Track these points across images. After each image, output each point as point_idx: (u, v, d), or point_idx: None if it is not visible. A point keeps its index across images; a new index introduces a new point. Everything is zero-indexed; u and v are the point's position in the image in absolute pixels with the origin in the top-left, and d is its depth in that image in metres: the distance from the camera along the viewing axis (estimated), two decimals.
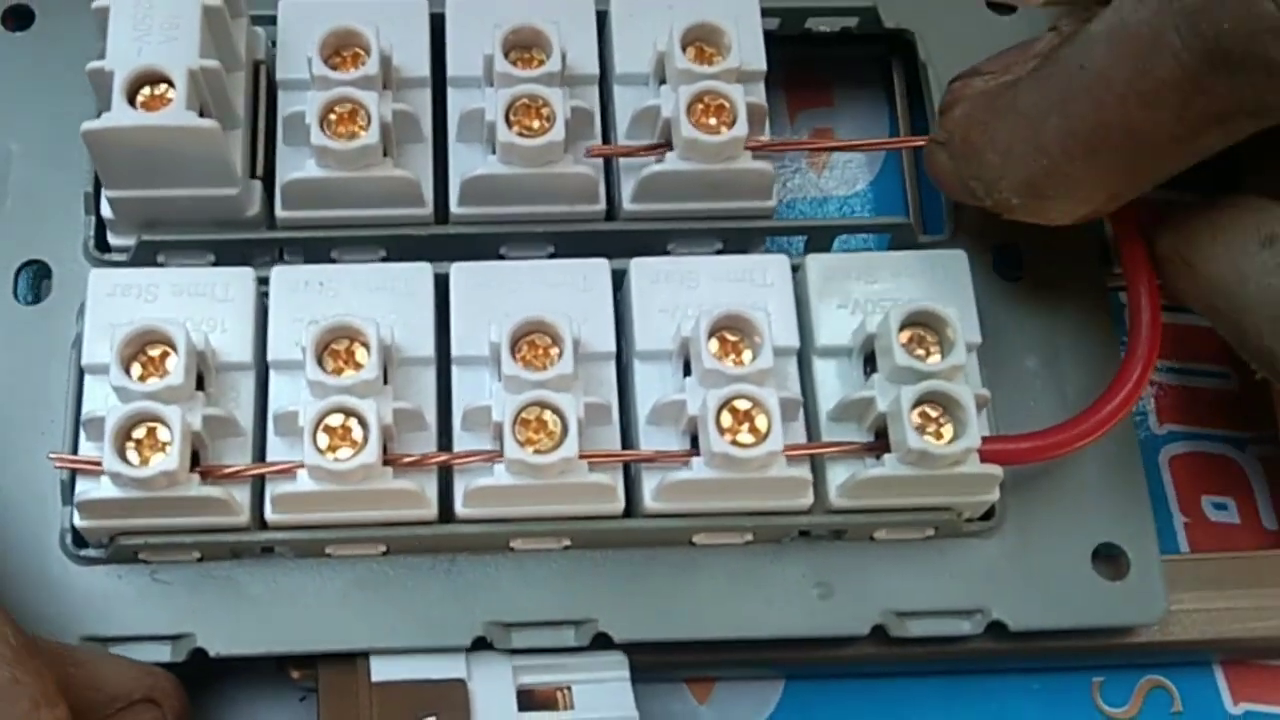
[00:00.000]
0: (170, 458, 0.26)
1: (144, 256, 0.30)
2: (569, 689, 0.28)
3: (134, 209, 0.29)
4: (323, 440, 0.26)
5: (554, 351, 0.27)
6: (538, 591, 0.29)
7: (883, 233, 0.32)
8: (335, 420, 0.26)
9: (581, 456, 0.27)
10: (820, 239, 0.32)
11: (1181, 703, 0.31)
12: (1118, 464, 0.31)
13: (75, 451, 0.28)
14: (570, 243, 0.31)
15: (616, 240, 0.31)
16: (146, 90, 0.27)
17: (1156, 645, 0.30)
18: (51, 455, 0.27)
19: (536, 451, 0.26)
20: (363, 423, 0.26)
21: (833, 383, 0.29)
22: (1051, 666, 0.31)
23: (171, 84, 0.27)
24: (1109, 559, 0.30)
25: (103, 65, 0.27)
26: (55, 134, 0.31)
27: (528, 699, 0.28)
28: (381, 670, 0.28)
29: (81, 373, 0.28)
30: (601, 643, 0.29)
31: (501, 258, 0.31)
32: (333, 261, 0.30)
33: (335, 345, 0.27)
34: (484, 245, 0.30)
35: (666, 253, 0.31)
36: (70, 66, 0.32)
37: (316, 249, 0.30)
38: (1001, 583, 0.30)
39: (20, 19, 0.32)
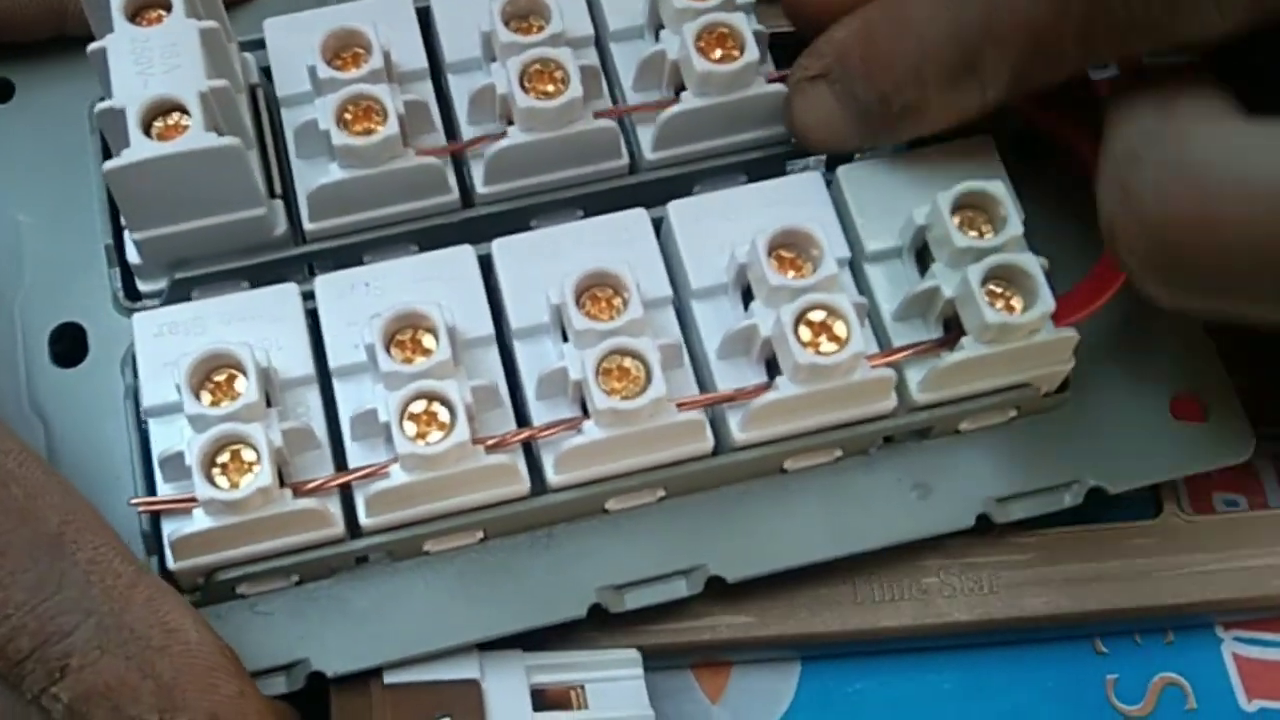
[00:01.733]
0: (262, 474, 0.25)
1: (178, 295, 0.29)
2: (583, 688, 0.28)
3: (162, 248, 0.28)
4: (410, 429, 0.26)
5: (617, 301, 0.27)
6: (641, 548, 0.29)
7: None
8: (418, 407, 0.26)
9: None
10: (839, 155, 0.32)
11: (1195, 699, 0.31)
12: (1177, 322, 0.31)
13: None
14: (597, 202, 0.30)
15: (643, 191, 0.30)
16: (160, 122, 0.26)
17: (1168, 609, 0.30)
18: (134, 501, 0.27)
19: (624, 399, 0.26)
20: (447, 404, 0.26)
21: (888, 286, 0.29)
22: (1066, 660, 0.31)
23: (184, 111, 0.26)
24: (1187, 407, 0.30)
25: (112, 104, 0.26)
26: (59, 198, 0.31)
27: (541, 699, 0.28)
28: (394, 672, 0.27)
29: (141, 420, 0.28)
30: (716, 586, 0.28)
31: (531, 229, 0.30)
32: (364, 264, 0.30)
33: (400, 336, 0.27)
34: (514, 221, 0.30)
35: (693, 195, 0.31)
36: (60, 130, 0.31)
37: (348, 256, 0.30)
38: (1090, 450, 0.30)
39: (1, 93, 0.32)
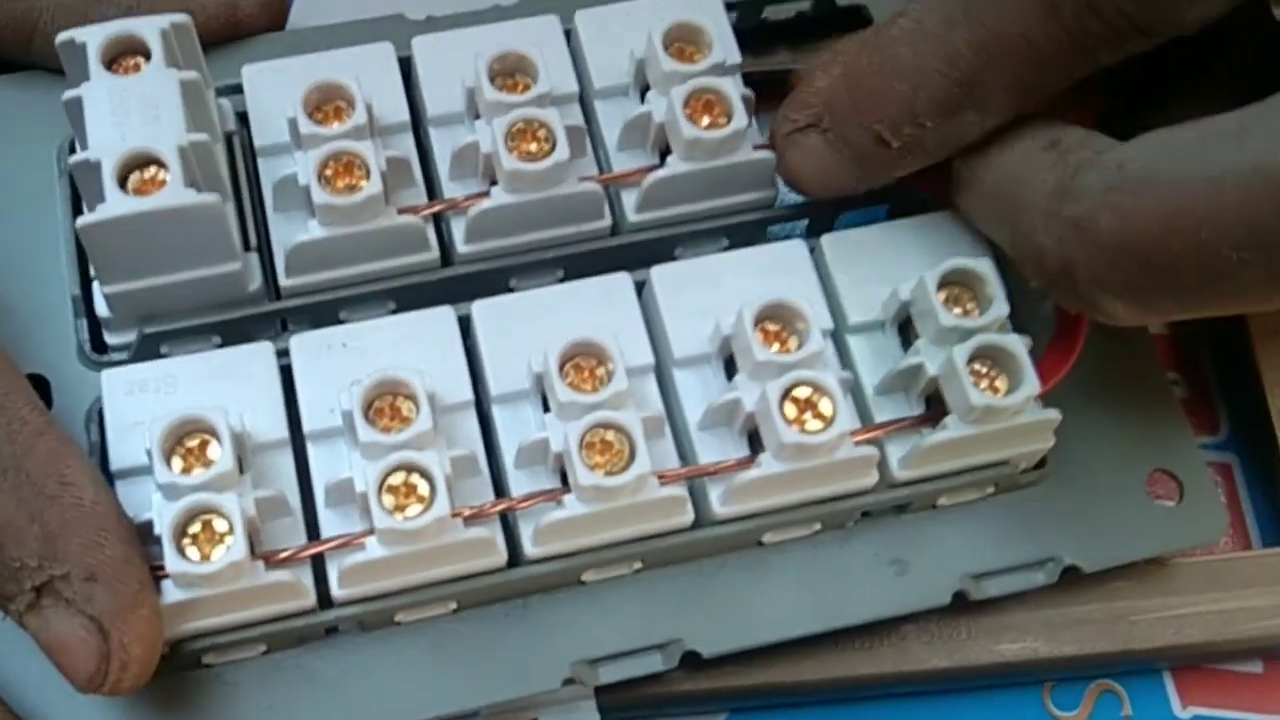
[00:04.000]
0: (236, 547, 0.24)
1: (147, 350, 0.28)
2: None
3: (134, 302, 0.27)
4: (388, 501, 0.25)
5: (600, 371, 0.27)
6: (616, 620, 0.28)
7: (882, 204, 0.32)
8: (397, 479, 0.25)
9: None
10: (822, 220, 0.32)
11: (1131, 706, 0.31)
12: (1145, 388, 0.31)
13: None
14: (578, 263, 0.30)
15: (624, 254, 0.30)
16: (136, 175, 0.26)
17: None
18: None
19: (608, 474, 0.26)
20: (426, 476, 0.25)
21: (870, 358, 0.29)
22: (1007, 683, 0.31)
23: (161, 165, 0.26)
24: (1162, 485, 0.30)
25: (87, 157, 0.26)
26: (22, 243, 0.30)
27: None
28: None
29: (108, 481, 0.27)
30: (691, 661, 0.28)
31: (510, 289, 0.30)
32: (341, 322, 0.29)
33: (379, 403, 0.26)
34: (493, 280, 0.30)
35: (674, 258, 0.30)
36: (24, 173, 0.30)
37: (324, 312, 0.29)
38: (1066, 528, 0.30)
39: None
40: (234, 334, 0.29)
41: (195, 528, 0.25)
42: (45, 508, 0.24)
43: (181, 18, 0.27)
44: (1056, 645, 0.30)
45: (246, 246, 0.29)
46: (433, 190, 0.30)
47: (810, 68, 0.29)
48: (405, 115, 0.30)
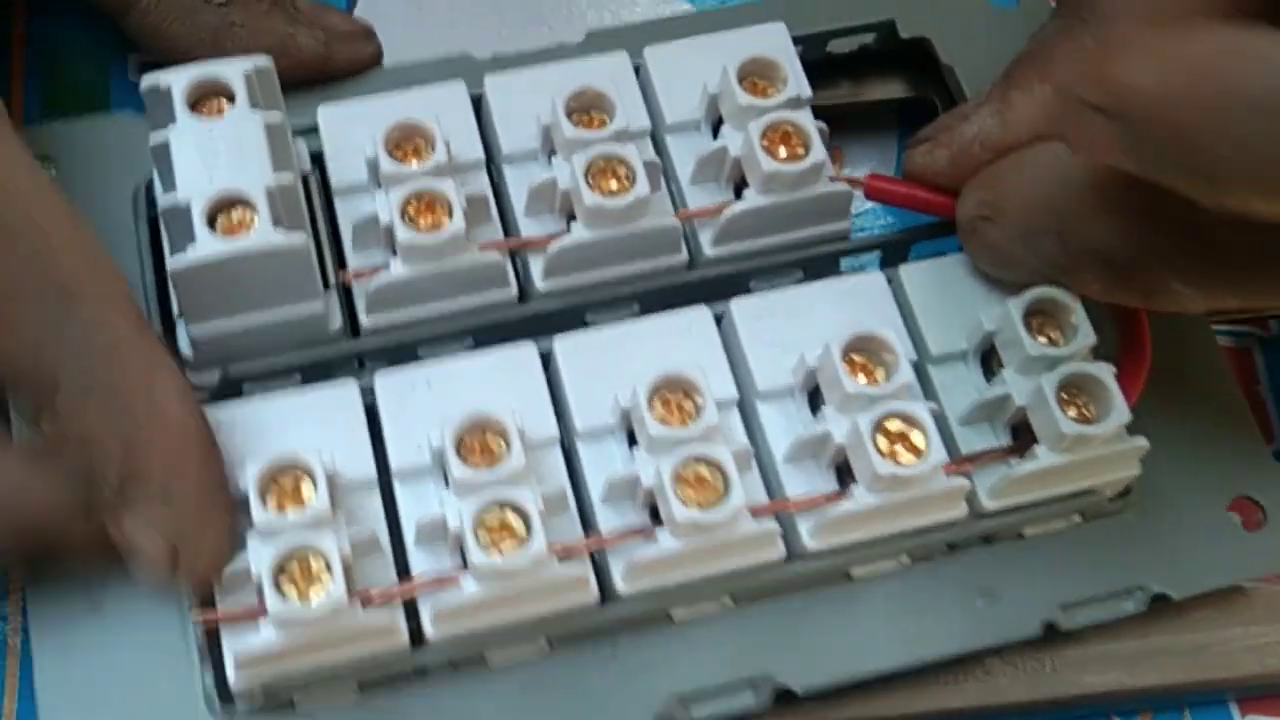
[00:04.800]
0: (336, 589, 0.24)
1: (228, 390, 0.28)
2: None
3: (217, 342, 0.27)
4: (484, 539, 0.25)
5: (688, 405, 0.27)
6: (707, 657, 0.28)
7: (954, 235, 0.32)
8: (492, 516, 0.25)
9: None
10: (896, 252, 0.32)
11: (1191, 716, 0.31)
12: (1223, 410, 0.31)
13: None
14: (654, 298, 0.30)
15: (700, 288, 0.30)
16: (224, 217, 0.26)
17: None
18: (198, 618, 0.25)
19: (702, 509, 0.26)
20: (521, 514, 0.25)
21: (953, 389, 0.29)
22: None
23: (249, 206, 0.26)
24: (1244, 509, 0.30)
25: (176, 200, 0.26)
26: None
27: None
28: None
29: None
30: (783, 698, 0.28)
31: (586, 324, 0.30)
32: (418, 359, 0.29)
33: (469, 440, 0.26)
34: (570, 316, 0.30)
35: (749, 290, 0.30)
36: (102, 214, 0.30)
37: (403, 350, 0.29)
38: (1152, 556, 0.30)
39: None
40: (314, 373, 0.29)
41: (293, 568, 0.24)
42: (129, 426, 0.24)
43: (264, 60, 0.27)
44: (1140, 676, 0.30)
45: (325, 286, 0.29)
46: (507, 227, 0.30)
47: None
48: (480, 153, 0.30)
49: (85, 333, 0.24)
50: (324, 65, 0.31)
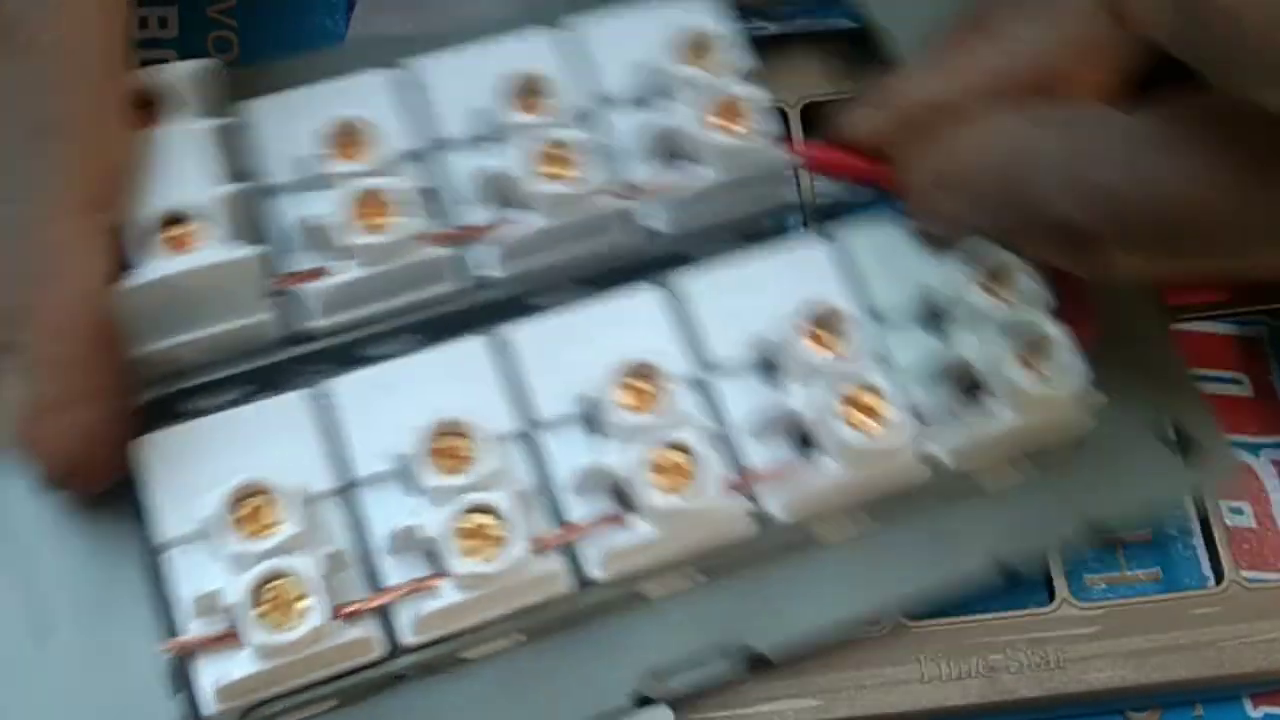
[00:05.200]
0: (316, 611, 0.24)
1: (169, 411, 0.27)
2: None
3: (162, 362, 0.26)
4: (463, 544, 0.25)
5: (651, 389, 0.27)
6: (680, 630, 0.28)
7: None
8: (467, 521, 0.25)
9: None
10: (835, 218, 0.32)
11: (1203, 706, 0.31)
12: (1151, 350, 0.32)
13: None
14: (608, 280, 0.30)
15: (654, 267, 0.30)
16: (170, 231, 0.25)
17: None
18: (166, 646, 0.25)
19: (678, 494, 0.26)
20: (498, 516, 0.25)
21: (905, 352, 0.29)
22: None
23: (195, 220, 0.25)
24: (1176, 441, 0.31)
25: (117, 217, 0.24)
26: None
27: None
28: None
29: (153, 553, 0.26)
30: (760, 663, 0.28)
31: (536, 309, 0.29)
32: (368, 361, 0.28)
33: (436, 444, 0.26)
34: (522, 304, 0.29)
35: (693, 265, 0.30)
36: None
37: (351, 352, 0.28)
38: (1094, 495, 0.30)
39: None
40: (259, 384, 0.28)
41: (268, 594, 0.24)
42: (31, 286, 0.24)
43: (206, 62, 0.26)
44: (1144, 673, 0.30)
45: (266, 293, 0.28)
46: (451, 218, 0.29)
47: None
48: (419, 144, 0.29)
49: (26, 188, 0.23)
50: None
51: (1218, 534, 0.31)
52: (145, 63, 0.26)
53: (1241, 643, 0.30)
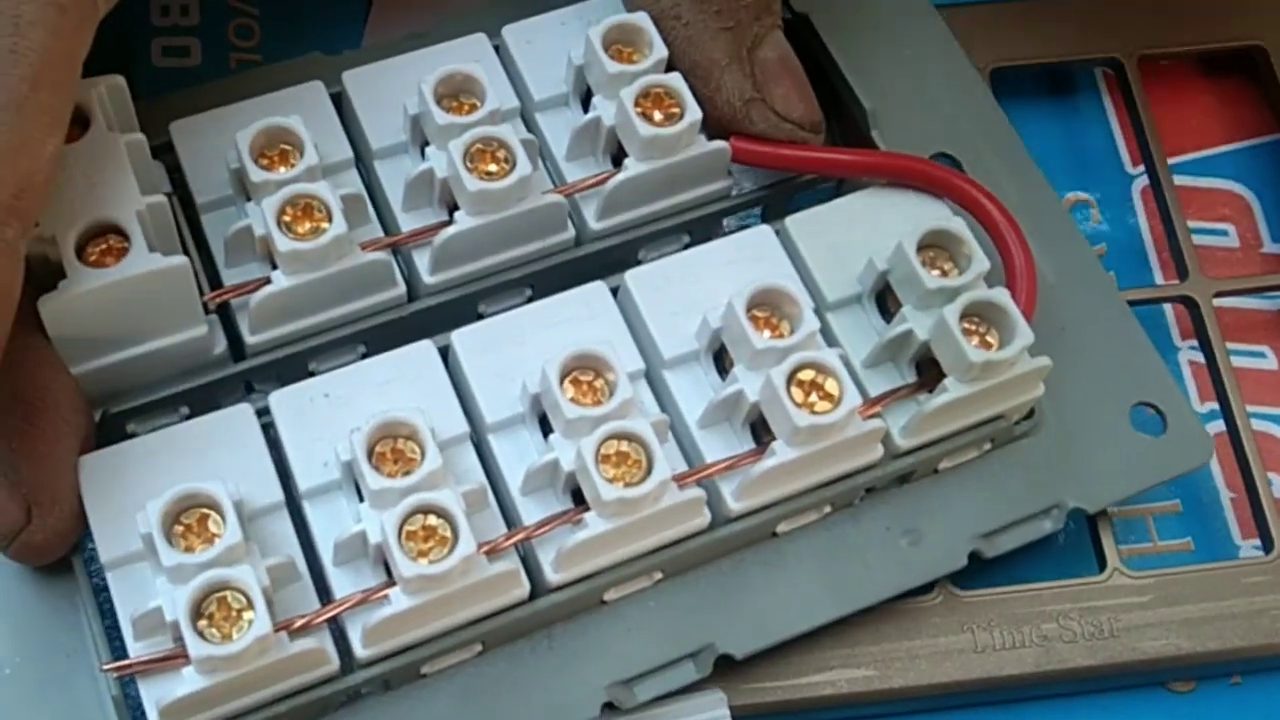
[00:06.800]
0: (259, 622, 0.23)
1: (111, 432, 0.27)
2: None
3: (97, 382, 0.26)
4: (410, 548, 0.24)
5: (599, 383, 0.26)
6: (645, 636, 0.27)
7: (829, 183, 0.32)
8: (415, 523, 0.24)
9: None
10: (777, 204, 0.31)
11: (1240, 676, 0.31)
12: (1118, 328, 0.31)
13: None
14: (544, 280, 0.29)
15: (589, 263, 0.30)
16: (93, 247, 0.24)
17: None
18: (107, 666, 0.24)
19: (628, 485, 0.25)
20: (445, 516, 0.24)
21: (852, 333, 0.29)
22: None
23: (118, 233, 0.24)
24: (1147, 419, 0.31)
25: (40, 233, 0.24)
26: None
27: None
28: None
29: (94, 575, 0.25)
30: (724, 664, 0.28)
31: (480, 315, 0.29)
32: (311, 373, 0.28)
33: (380, 448, 0.25)
34: (462, 308, 0.29)
35: (639, 261, 0.30)
36: None
37: (293, 366, 0.28)
38: (1063, 473, 0.30)
39: None
40: (200, 401, 0.27)
41: (210, 607, 0.23)
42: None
43: (115, 79, 0.25)
44: (1199, 641, 0.30)
45: (206, 310, 0.27)
46: (385, 225, 0.29)
47: None
48: (349, 152, 0.29)
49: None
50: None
51: (1266, 504, 0.31)
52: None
53: None
